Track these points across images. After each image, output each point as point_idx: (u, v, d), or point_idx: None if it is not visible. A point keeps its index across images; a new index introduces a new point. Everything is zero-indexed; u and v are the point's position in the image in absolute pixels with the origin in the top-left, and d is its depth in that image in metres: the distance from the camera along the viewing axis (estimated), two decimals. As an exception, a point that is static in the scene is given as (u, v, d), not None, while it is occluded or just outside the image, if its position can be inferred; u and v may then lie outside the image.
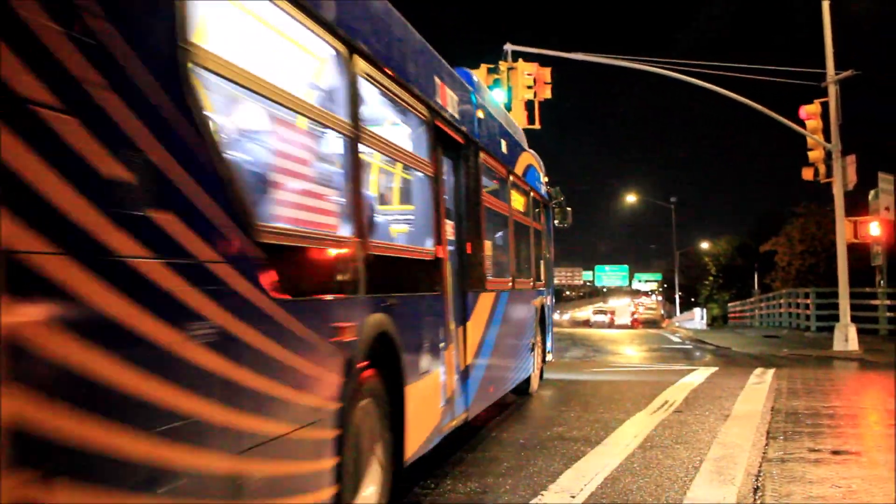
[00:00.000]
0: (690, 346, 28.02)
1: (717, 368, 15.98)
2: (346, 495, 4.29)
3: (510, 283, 9.80)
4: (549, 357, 13.31)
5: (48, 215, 2.17)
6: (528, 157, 11.72)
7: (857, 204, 24.22)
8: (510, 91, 19.37)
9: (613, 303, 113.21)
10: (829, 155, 21.16)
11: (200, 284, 2.91)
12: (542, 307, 12.39)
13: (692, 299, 73.56)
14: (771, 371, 14.86)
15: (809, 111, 21.21)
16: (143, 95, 2.65)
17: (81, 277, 2.27)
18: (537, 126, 19.54)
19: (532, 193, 11.85)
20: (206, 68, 3.08)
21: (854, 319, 21.79)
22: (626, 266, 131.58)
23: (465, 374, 7.20)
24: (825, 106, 21.20)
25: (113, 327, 2.39)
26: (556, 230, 14.59)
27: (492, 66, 19.59)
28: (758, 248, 45.74)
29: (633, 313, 76.73)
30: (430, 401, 6.12)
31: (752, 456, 6.93)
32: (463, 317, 7.27)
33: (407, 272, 5.84)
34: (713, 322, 55.10)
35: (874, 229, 22.96)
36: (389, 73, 5.35)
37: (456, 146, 7.37)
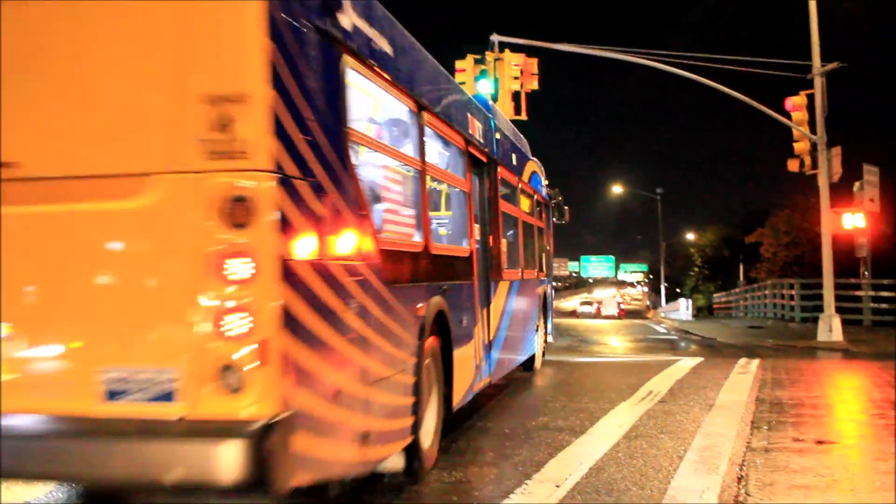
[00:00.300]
0: (676, 337, 28.13)
1: (702, 359, 16.04)
2: (419, 425, 5.91)
3: (520, 274, 11.42)
4: (549, 339, 14.86)
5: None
6: (533, 165, 13.31)
7: (843, 196, 24.31)
8: (497, 82, 19.31)
9: (600, 293, 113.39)
10: (814, 147, 21.21)
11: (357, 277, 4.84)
12: (545, 295, 14.06)
13: (678, 290, 73.75)
14: (755, 361, 14.92)
15: (795, 103, 21.25)
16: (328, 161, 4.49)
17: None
18: (524, 117, 19.50)
19: (536, 196, 13.50)
20: (353, 141, 4.94)
21: (838, 310, 21.89)
22: (612, 257, 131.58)
23: (488, 347, 8.90)
24: (811, 98, 21.25)
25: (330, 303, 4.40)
26: (554, 226, 15.95)
27: (479, 56, 19.53)
28: (743, 239, 45.94)
29: (619, 304, 76.95)
30: (468, 364, 7.86)
31: (736, 446, 6.96)
32: (487, 300, 8.95)
33: (452, 265, 7.56)
34: (698, 313, 55.27)
35: (859, 221, 23.06)
36: (442, 118, 7.21)
37: (480, 164, 9.11)
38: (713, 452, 6.71)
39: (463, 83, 19.41)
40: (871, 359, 16.55)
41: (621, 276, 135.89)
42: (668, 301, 72.11)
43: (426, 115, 6.58)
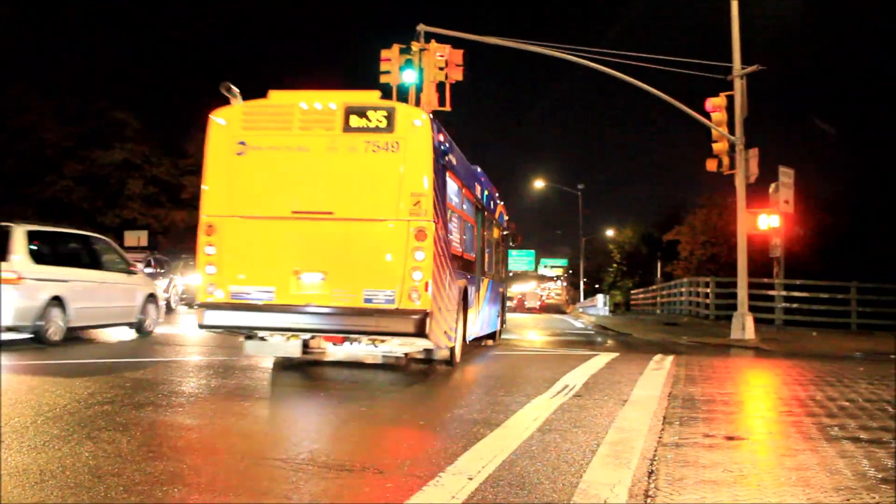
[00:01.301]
0: (593, 332, 28.40)
1: (617, 354, 16.21)
2: (456, 339, 12.40)
3: (493, 275, 18.17)
4: (505, 323, 22.04)
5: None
6: (501, 207, 20.05)
7: (760, 196, 24.82)
8: (421, 72, 19.16)
9: (520, 287, 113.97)
10: (732, 147, 21.59)
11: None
12: (503, 293, 21.23)
13: (596, 286, 74.64)
14: (670, 358, 15.14)
15: (715, 103, 21.59)
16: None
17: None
18: (447, 108, 19.41)
19: (502, 227, 20.24)
20: (448, 207, 11.98)
21: (752, 309, 22.39)
22: (532, 251, 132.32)
23: (477, 314, 15.03)
24: (731, 99, 21.62)
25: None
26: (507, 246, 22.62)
27: (404, 46, 19.38)
28: (661, 236, 46.66)
29: (539, 297, 77.56)
30: (472, 318, 14.31)
31: (648, 440, 7.00)
32: (478, 287, 15.24)
33: (469, 264, 14.24)
34: (616, 309, 56.07)
35: (774, 222, 23.58)
36: (470, 190, 14.41)
37: (480, 209, 15.86)
38: (625, 447, 6.73)
39: (388, 72, 19.29)
40: (781, 357, 16.93)
41: (542, 271, 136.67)
42: (586, 297, 72.95)
43: (465, 190, 13.91)
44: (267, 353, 11.54)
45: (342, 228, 10.69)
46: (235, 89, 11.05)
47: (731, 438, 7.18)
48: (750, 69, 21.63)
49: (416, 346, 11.38)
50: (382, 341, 11.19)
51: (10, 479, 5.18)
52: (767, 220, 23.45)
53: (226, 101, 11.20)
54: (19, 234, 13.59)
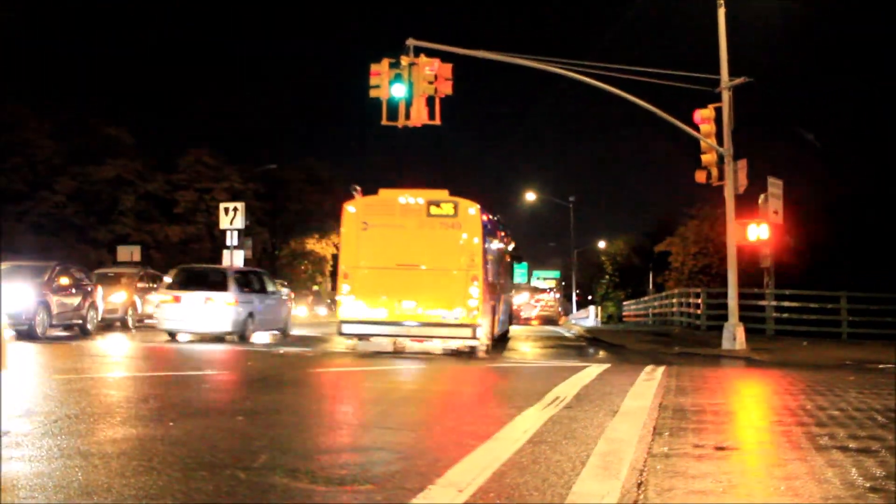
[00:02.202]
0: (585, 343, 28.41)
1: (609, 365, 16.24)
2: (492, 336, 20.20)
3: (506, 291, 25.83)
4: (512, 322, 30.25)
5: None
6: (510, 240, 26.55)
7: (749, 207, 24.90)
8: (411, 86, 19.21)
9: (515, 299, 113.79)
10: (721, 159, 21.66)
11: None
12: (511, 301, 31.45)
13: (589, 297, 74.68)
14: (661, 368, 15.17)
15: (703, 115, 21.65)
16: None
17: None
18: (437, 122, 19.48)
19: (511, 255, 27.84)
20: (486, 260, 19.31)
21: (742, 319, 22.40)
22: (525, 263, 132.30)
23: (498, 321, 21.63)
24: (719, 111, 21.70)
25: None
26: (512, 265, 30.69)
27: (393, 60, 19.44)
28: (653, 248, 46.75)
29: (533, 308, 77.52)
30: (496, 325, 21.01)
31: (637, 451, 7.02)
32: (498, 302, 21.70)
33: (494, 287, 20.91)
34: (608, 320, 56.11)
35: (763, 232, 23.64)
36: (501, 240, 23.83)
37: (503, 248, 23.64)
38: (615, 458, 6.76)
39: (377, 87, 19.36)
40: (772, 367, 16.99)
41: (534, 283, 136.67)
42: (579, 308, 72.97)
43: (495, 241, 21.45)
44: (371, 349, 18.38)
45: (427, 274, 18.09)
46: (359, 188, 18.39)
47: (720, 449, 7.21)
48: (737, 81, 21.71)
49: (468, 344, 18.00)
50: (446, 341, 18.03)
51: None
52: (757, 231, 23.50)
53: (351, 196, 18.48)
54: (231, 276, 22.32)
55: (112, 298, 26.15)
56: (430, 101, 19.48)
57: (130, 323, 26.96)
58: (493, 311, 20.16)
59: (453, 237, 17.87)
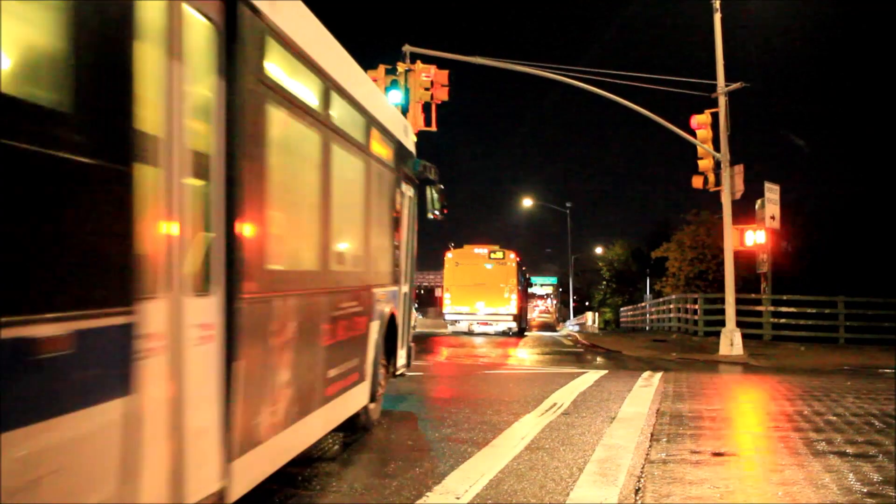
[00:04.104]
0: (582, 350, 28.34)
1: (606, 371, 16.22)
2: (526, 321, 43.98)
3: (526, 296, 50.46)
4: (527, 317, 50.08)
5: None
6: (526, 270, 47.89)
7: (747, 212, 24.93)
8: (407, 92, 19.22)
9: None
10: (717, 164, 21.68)
11: None
12: (524, 309, 44.71)
13: (586, 303, 74.70)
14: (658, 374, 15.16)
15: (700, 121, 21.68)
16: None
17: None
18: (433, 128, 19.49)
19: (527, 278, 51.08)
20: (518, 283, 37.90)
21: (740, 325, 22.40)
22: (533, 279, 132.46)
23: (525, 317, 43.29)
24: (715, 117, 21.73)
25: None
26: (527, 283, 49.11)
27: (390, 66, 19.47)
28: (650, 253, 46.72)
29: (531, 313, 77.60)
30: (524, 318, 44.08)
31: (635, 457, 7.03)
32: (526, 303, 51.55)
33: (523, 293, 43.26)
34: (606, 326, 56.09)
35: (760, 237, 23.68)
36: (527, 277, 53.52)
37: (525, 274, 49.05)
38: (612, 464, 6.76)
39: (374, 93, 19.39)
40: (770, 373, 16.97)
41: (531, 289, 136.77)
42: (576, 314, 72.97)
43: (522, 269, 40.40)
44: (457, 330, 34.25)
45: (490, 288, 33.79)
46: (452, 244, 36.47)
47: (718, 454, 7.21)
48: (734, 86, 21.75)
49: (514, 328, 34.29)
50: (500, 323, 33.99)
51: None
52: (754, 236, 23.58)
53: (457, 245, 36.39)
54: None
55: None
56: (426, 108, 19.49)
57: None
58: (523, 311, 38.44)
59: (503, 270, 34.14)
